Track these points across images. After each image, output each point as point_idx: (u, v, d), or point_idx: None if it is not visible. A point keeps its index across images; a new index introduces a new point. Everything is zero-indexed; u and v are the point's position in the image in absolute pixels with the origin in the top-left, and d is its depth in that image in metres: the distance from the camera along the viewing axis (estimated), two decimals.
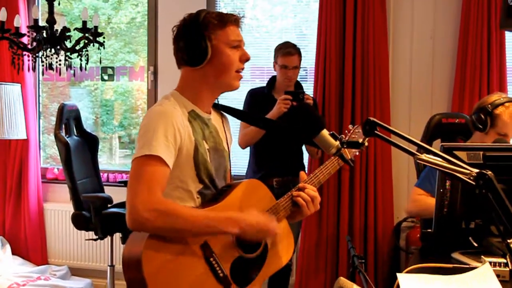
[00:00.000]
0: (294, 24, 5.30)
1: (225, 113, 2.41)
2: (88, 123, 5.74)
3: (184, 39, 2.09)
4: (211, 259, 2.00)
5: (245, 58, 2.17)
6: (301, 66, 4.30)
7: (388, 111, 4.78)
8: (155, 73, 5.31)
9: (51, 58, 4.59)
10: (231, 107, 2.40)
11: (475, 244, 2.63)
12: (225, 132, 2.32)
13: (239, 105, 4.27)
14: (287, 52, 4.14)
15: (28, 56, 4.70)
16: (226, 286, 2.03)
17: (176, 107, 2.08)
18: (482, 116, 3.17)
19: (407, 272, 2.30)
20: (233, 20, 2.14)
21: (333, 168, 2.43)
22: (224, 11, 5.17)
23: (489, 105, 3.19)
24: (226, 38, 2.11)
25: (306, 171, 4.46)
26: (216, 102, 2.28)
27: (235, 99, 4.49)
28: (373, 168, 4.74)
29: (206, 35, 2.07)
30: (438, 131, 3.72)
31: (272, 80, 4.32)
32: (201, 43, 2.06)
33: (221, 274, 2.02)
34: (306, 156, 4.53)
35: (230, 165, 2.34)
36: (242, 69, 2.18)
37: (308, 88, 4.87)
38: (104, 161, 5.94)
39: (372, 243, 4.75)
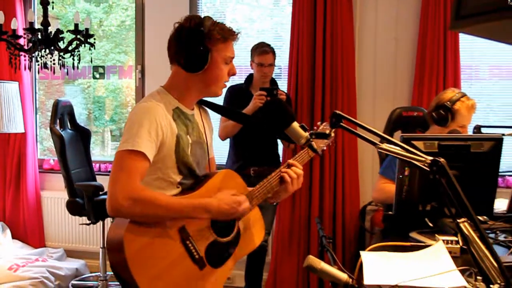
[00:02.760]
0: (271, 26, 5.30)
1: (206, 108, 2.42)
2: (82, 118, 5.72)
3: (186, 44, 2.06)
4: (188, 242, 2.01)
5: (231, 73, 2.19)
6: (275, 64, 4.31)
7: (355, 105, 4.80)
8: (142, 72, 5.29)
9: (45, 58, 4.61)
10: (212, 103, 2.41)
11: (431, 225, 2.67)
12: (203, 125, 2.31)
13: (219, 100, 4.25)
14: (262, 51, 4.16)
15: (25, 56, 4.71)
16: (201, 267, 2.05)
17: (161, 105, 2.07)
18: (443, 112, 3.20)
19: (370, 250, 2.31)
20: (233, 37, 2.15)
21: (305, 157, 2.43)
22: (206, 14, 5.17)
23: (448, 102, 3.21)
24: (224, 54, 2.12)
25: (281, 161, 4.47)
26: None
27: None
28: (341, 157, 4.77)
29: (209, 48, 2.06)
30: (399, 123, 3.74)
31: (250, 77, 4.34)
32: (204, 55, 2.05)
33: (196, 256, 2.03)
34: (280, 147, 4.53)
35: (209, 154, 2.33)
36: (228, 81, 2.20)
37: (283, 85, 4.89)
38: (97, 153, 5.92)
39: (340, 225, 4.78)
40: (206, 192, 2.11)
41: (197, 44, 2.05)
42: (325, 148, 2.57)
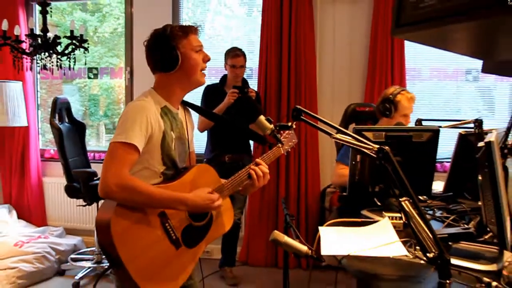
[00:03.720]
0: (244, 33, 5.29)
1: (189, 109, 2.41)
2: (79, 114, 5.66)
3: (157, 51, 2.09)
4: (166, 225, 2.01)
5: (206, 59, 2.17)
6: (247, 66, 4.31)
7: (316, 102, 4.81)
8: (131, 73, 5.24)
9: (45, 60, 4.59)
10: (193, 104, 2.41)
11: (379, 203, 2.68)
12: (186, 123, 2.30)
13: (199, 97, 4.28)
14: (234, 54, 4.17)
15: (26, 58, 4.69)
16: (177, 247, 2.05)
17: (151, 103, 2.06)
18: (387, 105, 3.26)
19: (327, 225, 2.32)
20: (193, 30, 2.15)
21: (272, 157, 2.43)
22: (187, 22, 5.14)
23: (391, 95, 3.27)
24: (190, 45, 2.11)
25: (252, 150, 4.48)
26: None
27: (196, 92, 4.45)
28: (304, 146, 4.78)
29: (174, 45, 2.06)
30: (353, 117, 3.77)
31: (224, 77, 4.35)
32: (172, 53, 2.06)
33: (173, 237, 2.03)
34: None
35: (189, 148, 2.32)
36: (205, 67, 2.18)
37: (254, 84, 4.87)
38: (93, 144, 5.88)
39: (304, 205, 4.80)
40: (183, 184, 2.10)
41: (164, 45, 2.07)
42: (289, 150, 2.57)
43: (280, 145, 2.40)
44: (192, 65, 2.12)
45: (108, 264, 1.93)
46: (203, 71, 2.17)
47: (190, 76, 2.14)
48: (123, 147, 1.91)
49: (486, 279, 1.64)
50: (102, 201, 2.00)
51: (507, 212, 1.77)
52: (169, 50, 2.06)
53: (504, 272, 1.71)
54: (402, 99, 3.27)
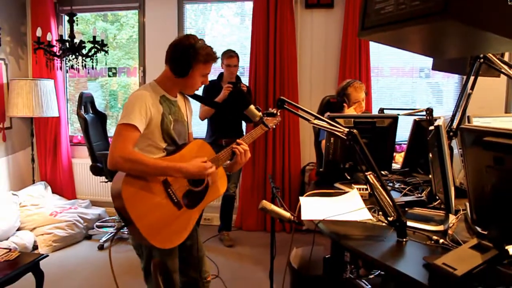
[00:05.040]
0: (237, 39, 5.23)
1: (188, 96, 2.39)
2: (101, 106, 5.59)
3: (178, 55, 2.05)
4: (169, 189, 2.02)
5: (204, 83, 2.17)
6: (240, 65, 4.27)
7: (297, 94, 4.79)
8: (144, 72, 5.19)
9: (72, 62, 4.54)
10: (197, 95, 2.41)
11: (349, 177, 2.70)
12: (186, 109, 2.29)
13: (199, 91, 4.22)
14: (229, 55, 4.14)
15: (57, 60, 4.64)
16: (179, 208, 2.06)
17: (150, 92, 2.06)
18: (344, 97, 3.30)
19: (306, 196, 2.33)
20: (214, 60, 2.12)
21: (259, 132, 2.42)
22: (191, 31, 5.10)
23: (342, 89, 3.31)
24: (202, 71, 2.10)
25: (244, 134, 4.46)
26: None
27: None
28: (287, 131, 4.77)
29: (192, 65, 2.05)
30: (328, 107, 3.74)
31: (221, 74, 4.31)
32: (186, 67, 2.04)
33: (175, 200, 2.04)
34: (244, 125, 4.49)
35: (188, 130, 2.31)
36: (198, 89, 2.19)
37: (245, 80, 4.84)
38: (113, 131, 5.72)
39: (287, 179, 4.80)
40: (182, 156, 2.11)
41: (184, 59, 2.04)
42: (274, 126, 2.56)
43: (263, 126, 2.37)
44: (192, 84, 2.13)
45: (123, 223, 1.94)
46: (196, 89, 2.19)
47: (186, 88, 2.16)
48: (126, 128, 1.93)
49: (435, 237, 1.65)
50: None
51: (452, 183, 1.78)
52: (185, 65, 2.05)
53: (449, 232, 1.72)
54: (351, 91, 3.27)
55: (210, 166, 2.10)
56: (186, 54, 2.04)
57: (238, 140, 2.28)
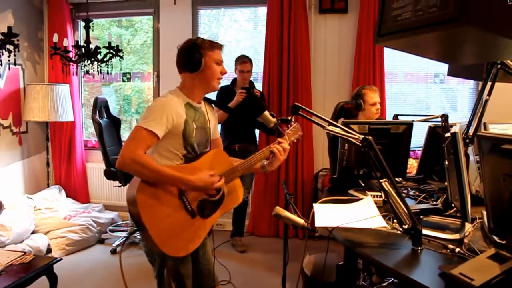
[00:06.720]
0: (251, 44, 5.25)
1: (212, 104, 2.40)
2: (115, 111, 5.65)
3: (186, 53, 2.11)
4: (183, 198, 2.01)
5: (223, 72, 2.19)
6: (253, 71, 4.28)
7: (310, 100, 4.78)
8: (158, 77, 5.22)
9: (88, 67, 4.58)
10: (211, 99, 2.37)
11: (363, 184, 2.68)
12: (208, 115, 2.29)
13: (213, 96, 4.24)
14: (242, 61, 4.16)
15: (73, 65, 4.68)
16: (192, 216, 2.05)
17: (174, 100, 2.07)
18: (357, 100, 3.34)
19: (320, 203, 2.31)
20: (219, 46, 2.17)
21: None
22: (205, 37, 5.11)
23: (357, 92, 3.38)
24: (213, 57, 2.13)
25: (258, 141, 4.47)
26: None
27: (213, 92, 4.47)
28: (301, 137, 4.72)
29: (201, 53, 2.09)
30: (341, 113, 3.72)
31: (234, 80, 4.33)
32: (198, 57, 2.09)
33: (189, 208, 2.03)
34: (257, 130, 4.49)
35: (212, 136, 2.32)
36: (221, 78, 2.20)
37: (259, 85, 4.84)
38: (127, 135, 5.80)
39: (300, 186, 4.78)
40: (194, 168, 2.07)
41: (193, 51, 2.09)
42: (295, 141, 2.52)
43: (288, 131, 2.36)
44: (211, 72, 2.13)
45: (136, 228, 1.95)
46: (219, 79, 2.18)
47: (208, 81, 2.15)
48: (144, 132, 1.94)
49: (451, 246, 1.63)
50: None
51: (468, 191, 1.76)
52: (195, 55, 2.09)
53: (465, 240, 1.70)
54: (366, 92, 3.32)
55: (217, 180, 2.08)
56: (192, 49, 2.10)
57: (279, 139, 2.25)
